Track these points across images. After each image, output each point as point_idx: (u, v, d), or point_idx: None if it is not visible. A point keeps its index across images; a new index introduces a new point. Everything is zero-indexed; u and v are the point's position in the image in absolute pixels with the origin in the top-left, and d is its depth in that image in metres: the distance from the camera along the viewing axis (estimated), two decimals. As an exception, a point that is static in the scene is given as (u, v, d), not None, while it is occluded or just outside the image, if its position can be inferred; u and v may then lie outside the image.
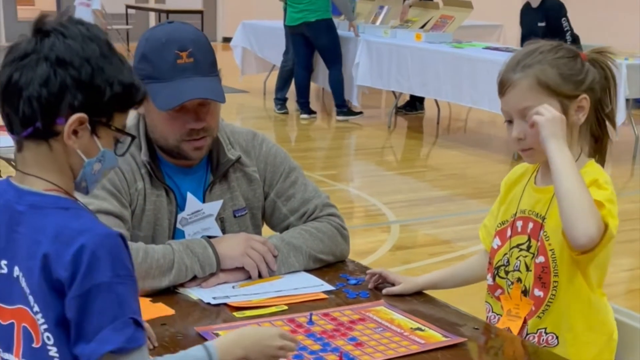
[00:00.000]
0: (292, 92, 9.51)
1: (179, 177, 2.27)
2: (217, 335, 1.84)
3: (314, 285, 2.17)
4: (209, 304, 2.04)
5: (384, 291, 2.14)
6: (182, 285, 2.12)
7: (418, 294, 2.16)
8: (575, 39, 7.97)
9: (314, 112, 9.39)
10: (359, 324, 1.95)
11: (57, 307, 1.39)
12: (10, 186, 1.46)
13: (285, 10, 9.41)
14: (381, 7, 9.84)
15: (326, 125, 9.22)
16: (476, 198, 6.22)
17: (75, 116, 1.40)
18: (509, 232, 2.08)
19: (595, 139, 2.06)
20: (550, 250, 1.98)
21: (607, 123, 2.06)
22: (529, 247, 2.02)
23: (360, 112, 9.10)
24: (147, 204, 2.21)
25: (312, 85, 9.67)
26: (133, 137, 1.52)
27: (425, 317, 1.99)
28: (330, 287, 2.16)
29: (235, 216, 2.31)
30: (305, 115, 9.31)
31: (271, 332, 1.66)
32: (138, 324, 1.38)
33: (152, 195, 2.22)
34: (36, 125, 1.40)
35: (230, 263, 2.17)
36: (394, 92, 9.30)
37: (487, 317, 2.13)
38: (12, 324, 1.46)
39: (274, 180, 2.36)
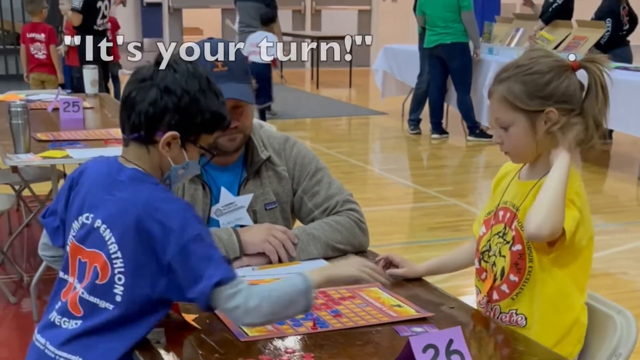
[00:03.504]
0: (426, 113, 9.75)
1: (216, 174, 2.60)
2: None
3: (323, 269, 2.44)
4: (226, 281, 2.35)
5: (388, 272, 2.39)
6: (209, 266, 2.44)
7: (417, 283, 2.37)
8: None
9: (446, 132, 9.61)
10: (347, 300, 2.20)
11: (141, 258, 1.84)
12: (116, 162, 1.94)
13: (420, 34, 9.72)
14: (517, 30, 9.95)
15: (458, 145, 9.39)
16: (593, 213, 6.20)
17: (170, 133, 1.87)
18: (492, 221, 2.30)
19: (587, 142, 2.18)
20: (526, 238, 2.18)
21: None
22: (504, 235, 2.23)
23: (491, 136, 9.16)
24: (185, 196, 2.54)
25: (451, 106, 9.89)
26: (213, 155, 1.99)
27: (410, 297, 2.23)
28: (336, 272, 2.42)
29: (266, 209, 2.62)
30: (436, 135, 9.55)
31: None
32: (228, 261, 1.87)
33: (190, 189, 2.55)
34: (141, 133, 1.88)
35: (253, 248, 2.47)
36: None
37: (478, 301, 2.33)
38: (86, 262, 1.91)
39: (301, 178, 2.66)
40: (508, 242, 2.22)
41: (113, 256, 1.86)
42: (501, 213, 2.27)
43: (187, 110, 1.85)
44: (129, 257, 1.85)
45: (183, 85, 1.85)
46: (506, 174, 2.37)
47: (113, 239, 1.86)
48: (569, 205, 2.07)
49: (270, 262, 2.48)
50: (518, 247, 2.20)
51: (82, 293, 1.91)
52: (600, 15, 9.02)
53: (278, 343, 1.94)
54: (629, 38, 9.16)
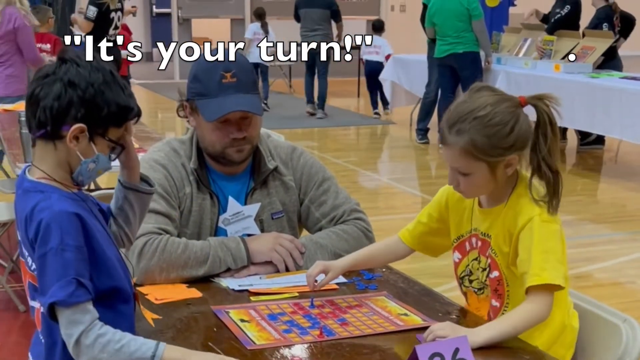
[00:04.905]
0: (434, 123, 9.76)
1: (224, 183, 2.62)
2: (227, 313, 2.17)
3: (330, 278, 2.45)
4: (233, 290, 2.36)
5: (319, 284, 2.32)
6: (217, 275, 2.46)
7: (424, 292, 2.39)
8: None
9: (454, 142, 9.60)
10: (354, 309, 2.22)
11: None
12: (23, 173, 1.90)
13: (428, 44, 9.74)
14: (525, 40, 9.96)
15: (467, 155, 9.39)
16: (600, 222, 6.28)
17: (77, 126, 1.82)
18: (467, 246, 2.29)
19: (547, 181, 2.13)
20: (500, 264, 2.20)
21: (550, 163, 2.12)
22: (479, 262, 2.25)
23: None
24: (193, 206, 2.56)
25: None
26: (123, 147, 1.92)
27: (417, 306, 2.24)
28: (344, 280, 2.44)
29: (273, 218, 2.64)
30: (444, 145, 9.54)
31: None
32: (81, 284, 1.76)
33: (198, 199, 2.57)
34: (47, 129, 1.83)
35: (260, 257, 2.49)
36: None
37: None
38: (28, 281, 1.91)
39: (308, 188, 2.68)
40: (485, 269, 2.24)
41: (32, 268, 1.85)
42: (474, 240, 2.27)
43: (92, 103, 1.81)
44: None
45: (87, 78, 1.81)
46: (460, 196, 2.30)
47: (26, 252, 1.86)
48: (549, 258, 2.04)
49: (277, 271, 2.49)
50: (495, 273, 2.21)
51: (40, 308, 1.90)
52: (596, 23, 9.05)
53: (285, 351, 1.95)
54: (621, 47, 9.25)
